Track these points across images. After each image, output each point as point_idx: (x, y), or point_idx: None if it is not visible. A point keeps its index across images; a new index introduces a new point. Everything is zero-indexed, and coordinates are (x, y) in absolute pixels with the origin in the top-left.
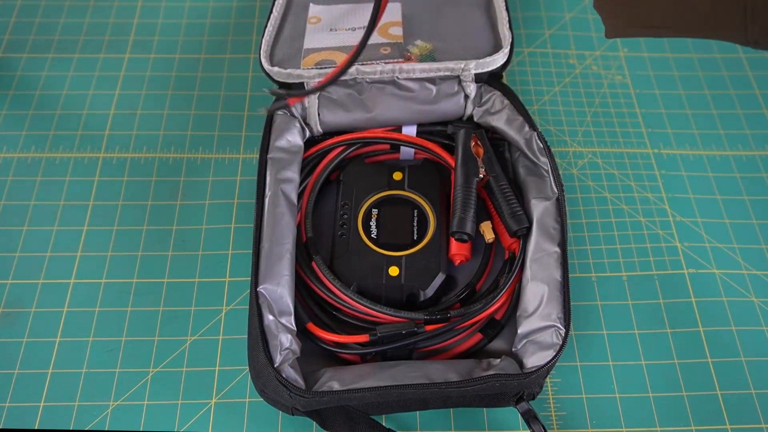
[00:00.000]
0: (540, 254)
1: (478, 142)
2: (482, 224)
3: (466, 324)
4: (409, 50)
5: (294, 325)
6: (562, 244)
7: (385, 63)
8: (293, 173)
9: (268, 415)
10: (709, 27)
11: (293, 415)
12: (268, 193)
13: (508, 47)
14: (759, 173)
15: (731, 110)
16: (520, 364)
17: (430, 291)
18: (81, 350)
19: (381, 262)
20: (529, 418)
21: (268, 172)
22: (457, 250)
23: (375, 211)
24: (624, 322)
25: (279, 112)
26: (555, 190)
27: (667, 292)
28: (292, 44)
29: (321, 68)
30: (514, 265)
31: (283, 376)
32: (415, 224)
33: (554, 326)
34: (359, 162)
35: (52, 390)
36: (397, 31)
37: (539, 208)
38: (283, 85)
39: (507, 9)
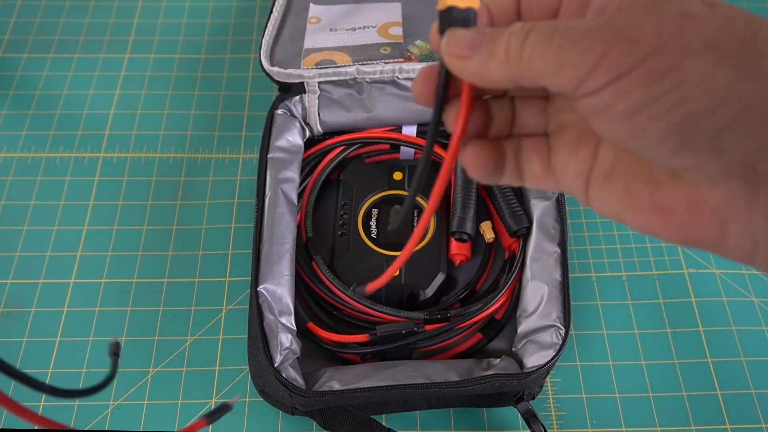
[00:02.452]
0: (540, 254)
1: None
2: (482, 224)
3: (465, 324)
4: (409, 50)
5: (294, 325)
6: (562, 244)
7: (386, 63)
8: (293, 173)
9: (268, 415)
10: None
11: (293, 414)
12: (268, 193)
13: None
14: None
15: None
16: (520, 363)
17: (430, 291)
18: (81, 350)
19: (381, 262)
20: (529, 418)
21: (268, 172)
22: (457, 250)
23: (375, 211)
24: (624, 322)
25: (278, 112)
26: None
27: (667, 292)
28: (292, 44)
29: (321, 68)
30: (514, 265)
31: (283, 375)
32: (415, 224)
33: (554, 326)
34: (359, 162)
35: None
36: (398, 31)
37: (539, 208)
38: (283, 85)
39: None
